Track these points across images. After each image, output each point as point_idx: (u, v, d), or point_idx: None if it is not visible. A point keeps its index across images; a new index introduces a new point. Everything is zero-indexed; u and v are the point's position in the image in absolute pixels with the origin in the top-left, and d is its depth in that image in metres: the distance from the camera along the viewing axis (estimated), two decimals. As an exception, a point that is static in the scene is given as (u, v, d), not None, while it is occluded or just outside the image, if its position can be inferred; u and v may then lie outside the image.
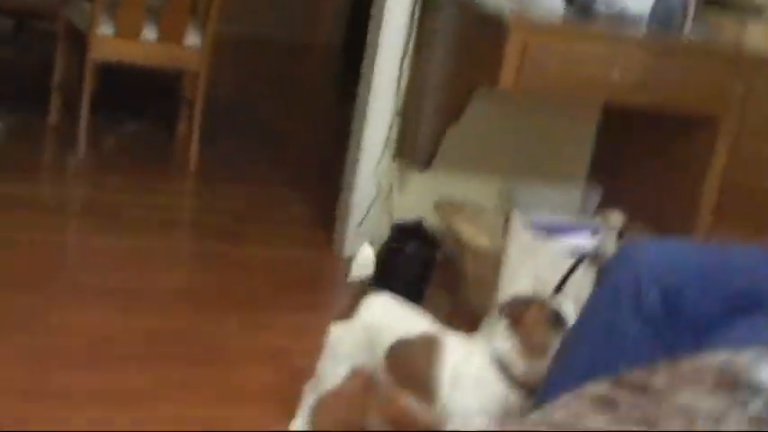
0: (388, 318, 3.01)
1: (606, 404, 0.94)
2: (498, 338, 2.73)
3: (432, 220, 4.47)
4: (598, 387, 0.96)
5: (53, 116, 5.93)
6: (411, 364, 2.89)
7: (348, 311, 3.05)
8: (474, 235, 4.28)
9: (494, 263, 4.07)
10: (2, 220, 4.61)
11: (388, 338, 2.94)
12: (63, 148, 5.76)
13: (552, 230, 3.87)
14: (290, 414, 3.19)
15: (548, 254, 3.76)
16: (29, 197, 4.99)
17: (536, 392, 2.62)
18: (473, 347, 2.79)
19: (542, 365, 2.61)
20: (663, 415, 0.93)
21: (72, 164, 5.57)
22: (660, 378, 1.00)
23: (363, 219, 4.74)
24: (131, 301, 4.01)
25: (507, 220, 4.05)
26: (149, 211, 5.08)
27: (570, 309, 2.64)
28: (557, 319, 2.64)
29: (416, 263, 4.29)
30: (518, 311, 2.70)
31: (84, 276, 4.26)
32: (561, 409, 0.92)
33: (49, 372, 3.37)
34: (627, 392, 0.97)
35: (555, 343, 2.59)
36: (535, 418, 0.90)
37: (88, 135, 5.53)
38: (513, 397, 2.71)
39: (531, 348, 2.66)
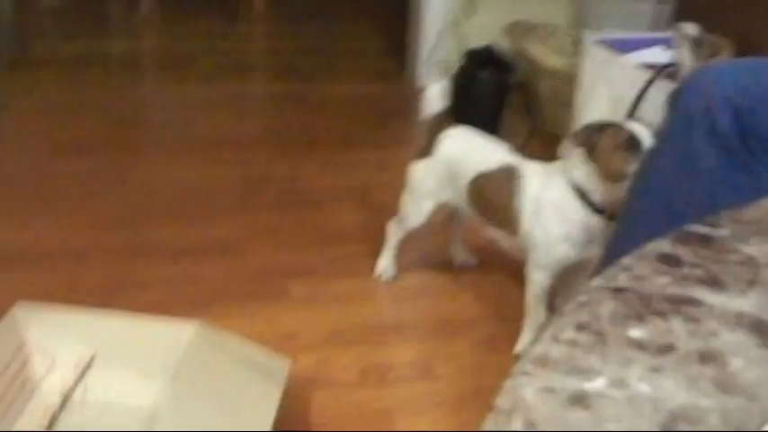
0: (467, 151, 3.01)
1: (669, 263, 0.95)
2: (575, 166, 2.73)
3: (503, 44, 4.42)
4: (660, 244, 0.97)
5: (116, -31, 5.94)
6: (493, 196, 2.91)
7: (427, 147, 3.07)
8: (546, 56, 4.25)
9: (568, 83, 4.04)
10: (76, 81, 4.67)
11: (469, 171, 2.96)
12: (128, 2, 5.77)
13: (625, 46, 3.81)
14: (377, 251, 3.25)
15: (622, 71, 3.72)
16: (100, 55, 5.03)
17: (617, 217, 2.64)
18: (552, 176, 2.80)
19: (621, 190, 2.60)
20: (726, 269, 0.94)
21: (138, 17, 5.58)
22: (723, 229, 1.01)
23: (433, 47, 4.71)
24: (213, 151, 4.07)
25: (578, 39, 4.00)
26: (221, 57, 5.10)
27: (645, 132, 2.62)
28: (632, 143, 2.62)
29: (491, 89, 4.28)
30: (592, 138, 2.68)
31: (164, 131, 4.31)
32: (624, 272, 0.92)
33: (139, 230, 3.45)
34: (690, 248, 0.97)
35: (632, 168, 2.58)
36: (598, 283, 0.91)
37: (152, -14, 5.55)
38: (595, 222, 2.72)
39: (608, 174, 2.66)
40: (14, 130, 4.21)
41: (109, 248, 3.33)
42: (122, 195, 3.68)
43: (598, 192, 2.70)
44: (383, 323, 3.02)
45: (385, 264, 3.23)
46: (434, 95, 3.07)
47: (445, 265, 3.32)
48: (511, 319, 2.96)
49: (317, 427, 2.55)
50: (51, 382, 2.52)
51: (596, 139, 2.67)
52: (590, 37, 3.91)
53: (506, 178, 2.87)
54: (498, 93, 4.29)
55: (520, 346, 2.88)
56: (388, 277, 3.22)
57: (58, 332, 2.56)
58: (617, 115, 3.54)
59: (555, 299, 2.98)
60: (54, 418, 2.46)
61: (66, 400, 2.51)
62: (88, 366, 2.57)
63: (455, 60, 4.51)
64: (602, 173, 2.67)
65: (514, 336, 2.90)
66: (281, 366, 2.51)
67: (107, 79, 4.73)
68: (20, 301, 2.55)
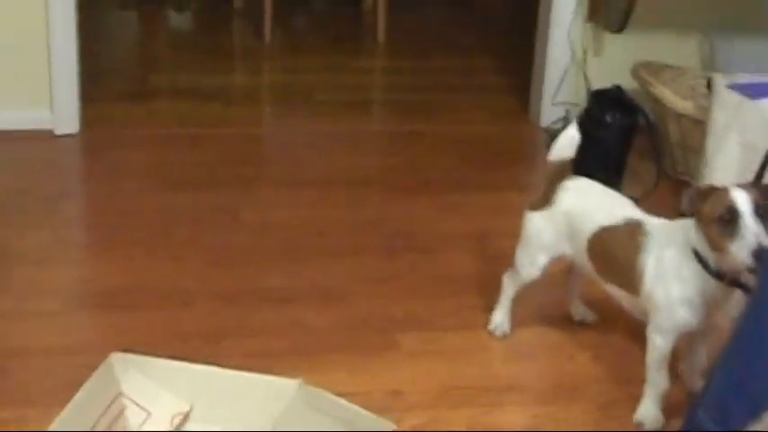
0: (589, 203, 2.86)
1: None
2: (691, 228, 2.56)
3: (630, 85, 4.25)
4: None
5: (238, 0, 5.90)
6: (615, 253, 2.74)
7: (545, 197, 2.92)
8: (676, 98, 4.06)
9: (698, 128, 3.86)
10: (193, 114, 4.62)
11: (590, 226, 2.80)
12: (249, 33, 5.73)
13: (759, 91, 3.62)
14: (492, 303, 3.10)
15: (756, 117, 3.53)
16: (218, 88, 4.99)
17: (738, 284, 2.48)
18: (674, 234, 2.62)
19: (729, 260, 2.43)
20: None
21: (259, 49, 5.53)
22: None
23: (559, 86, 4.57)
24: (325, 190, 3.98)
25: (710, 82, 3.82)
26: (339, 91, 5.03)
27: (744, 202, 2.42)
28: (731, 215, 2.41)
29: (617, 131, 4.10)
30: (695, 204, 2.50)
31: (276, 169, 4.24)
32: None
33: (246, 272, 3.37)
34: None
35: (730, 244, 2.40)
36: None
37: (274, 17, 5.47)
38: (715, 287, 2.54)
39: (711, 243, 2.49)
40: (129, 162, 4.17)
41: (215, 291, 3.24)
42: (232, 234, 3.60)
43: (711, 258, 2.52)
44: (495, 383, 2.87)
45: (499, 318, 3.08)
46: (565, 143, 2.91)
47: (562, 321, 3.16)
48: (632, 382, 2.79)
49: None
50: (146, 436, 2.43)
51: (699, 205, 2.49)
52: (722, 80, 3.74)
53: (630, 235, 2.71)
54: (624, 136, 4.11)
55: (639, 415, 2.71)
56: (501, 332, 3.07)
57: (155, 384, 2.47)
58: (750, 164, 3.36)
59: (680, 365, 2.80)
60: (147, 475, 2.38)
61: (160, 456, 2.42)
62: (184, 420, 2.48)
63: (580, 101, 4.36)
64: (707, 241, 2.50)
65: (635, 400, 2.73)
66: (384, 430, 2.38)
67: (224, 113, 4.67)
68: (115, 351, 2.46)
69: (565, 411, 2.75)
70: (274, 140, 4.62)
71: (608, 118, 4.07)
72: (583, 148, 2.97)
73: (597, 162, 3.61)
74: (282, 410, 2.31)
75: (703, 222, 2.49)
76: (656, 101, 4.16)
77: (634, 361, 2.83)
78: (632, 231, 2.71)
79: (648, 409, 2.70)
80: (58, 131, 4.30)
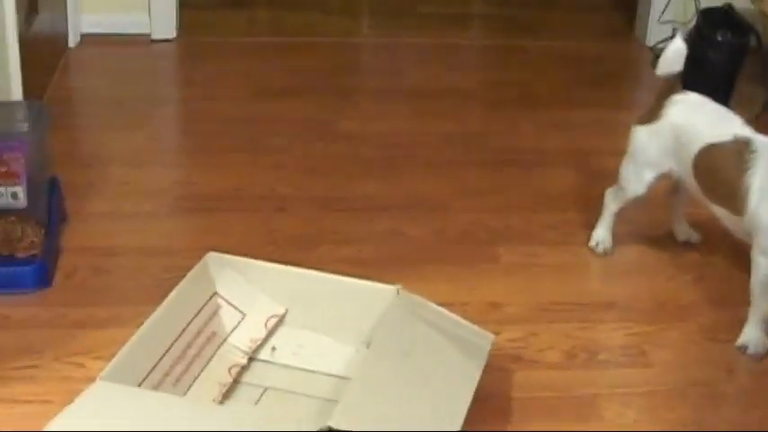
0: (697, 119, 2.76)
1: None
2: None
3: (741, 3, 4.12)
4: None
5: None
6: (720, 171, 2.65)
7: (653, 112, 2.84)
8: (791, 19, 3.93)
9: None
10: (292, 24, 4.59)
11: (697, 142, 2.71)
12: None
13: None
14: (593, 221, 3.04)
15: None
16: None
17: None
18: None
19: None
20: None
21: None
22: None
23: (667, 3, 4.44)
24: (424, 103, 3.92)
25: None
26: (441, 5, 4.94)
27: None
28: None
29: (726, 52, 3.98)
30: None
31: (376, 80, 4.19)
32: None
33: (343, 180, 3.33)
34: None
35: None
36: None
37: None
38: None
39: None
40: (227, 69, 4.13)
41: (311, 198, 3.21)
42: (329, 143, 3.56)
43: None
44: (594, 300, 2.81)
45: (600, 235, 3.01)
46: (671, 56, 2.82)
47: (665, 241, 3.08)
48: (736, 305, 2.71)
49: (518, 410, 2.37)
50: (240, 337, 2.41)
51: None
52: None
53: (738, 153, 2.61)
54: (734, 57, 3.99)
55: (742, 339, 2.63)
56: (603, 249, 3.00)
57: (251, 285, 2.45)
58: None
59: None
60: (239, 376, 2.35)
61: (252, 358, 2.40)
62: (279, 324, 2.45)
63: (688, 20, 4.23)
64: None
65: (738, 325, 2.64)
66: (483, 342, 2.33)
67: (323, 22, 4.62)
68: (212, 251, 2.44)
69: (666, 332, 2.69)
70: (374, 51, 4.56)
71: (718, 37, 3.95)
72: (690, 69, 2.89)
73: (705, 83, 3.49)
74: (380, 317, 2.27)
75: None
76: (770, 21, 4.03)
77: (738, 284, 2.76)
78: (740, 149, 2.62)
79: (752, 333, 2.62)
80: (156, 36, 4.28)
